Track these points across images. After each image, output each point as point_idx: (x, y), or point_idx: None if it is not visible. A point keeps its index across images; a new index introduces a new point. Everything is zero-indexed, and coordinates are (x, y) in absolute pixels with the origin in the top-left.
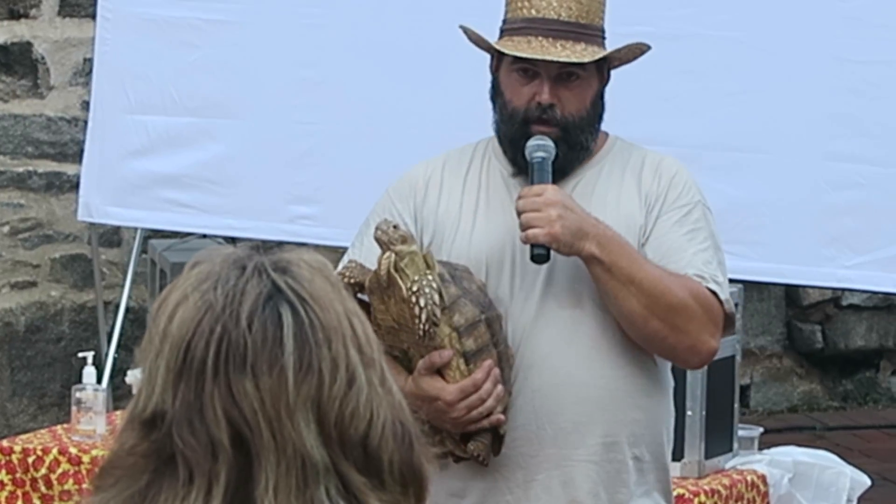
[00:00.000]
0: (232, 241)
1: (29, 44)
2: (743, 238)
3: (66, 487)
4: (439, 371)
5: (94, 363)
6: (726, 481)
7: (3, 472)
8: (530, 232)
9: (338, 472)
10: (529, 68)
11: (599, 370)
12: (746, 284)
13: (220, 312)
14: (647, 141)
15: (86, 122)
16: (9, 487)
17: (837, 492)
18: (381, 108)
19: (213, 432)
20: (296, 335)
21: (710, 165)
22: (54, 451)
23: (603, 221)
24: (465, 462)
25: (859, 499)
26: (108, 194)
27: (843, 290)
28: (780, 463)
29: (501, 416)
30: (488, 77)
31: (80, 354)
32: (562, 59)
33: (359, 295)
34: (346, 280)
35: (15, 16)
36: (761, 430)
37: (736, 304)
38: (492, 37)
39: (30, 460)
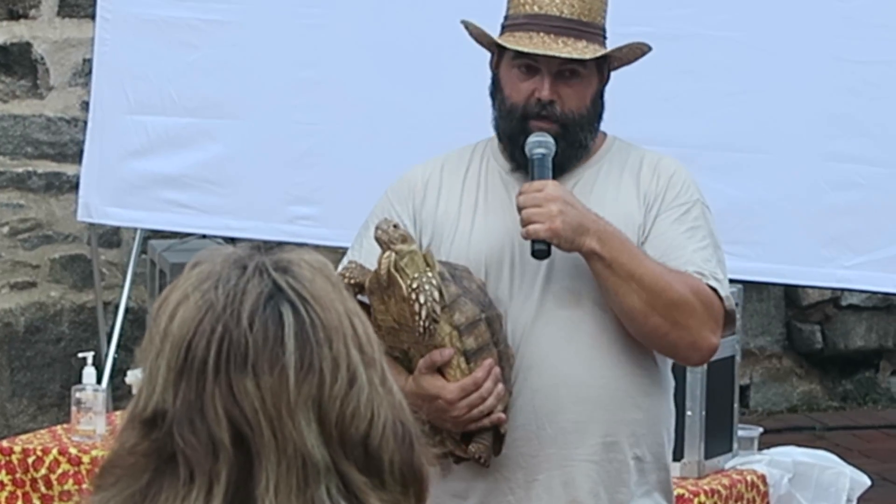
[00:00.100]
0: (231, 241)
1: (28, 44)
2: (742, 238)
3: (65, 488)
4: (440, 370)
5: (93, 363)
6: (726, 481)
7: (3, 472)
8: (531, 227)
9: (338, 472)
10: (530, 64)
11: (599, 370)
12: (746, 285)
13: (222, 312)
14: (646, 141)
15: (85, 123)
16: (9, 488)
17: (837, 492)
18: (380, 109)
19: (213, 431)
20: (297, 335)
21: (709, 165)
22: (54, 451)
23: (603, 217)
24: (466, 463)
25: (859, 499)
26: (107, 195)
27: (843, 290)
28: (780, 463)
29: (502, 415)
30: (488, 77)
31: (80, 355)
32: (563, 55)
33: (359, 296)
34: (346, 281)
35: (14, 16)
36: (761, 430)
37: (736, 305)
38: (493, 34)
39: (30, 461)
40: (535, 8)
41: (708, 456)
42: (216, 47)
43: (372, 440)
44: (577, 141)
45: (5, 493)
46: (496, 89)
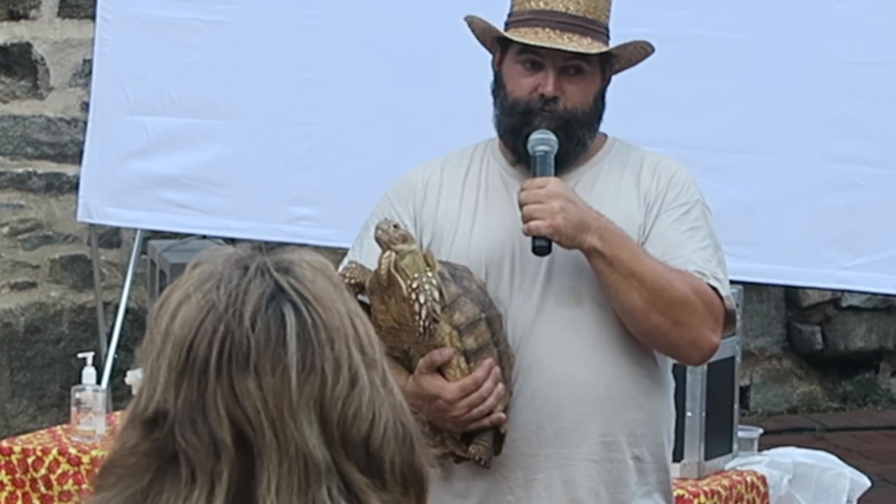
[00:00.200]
0: (231, 242)
1: (28, 45)
2: (742, 239)
3: (65, 488)
4: (440, 370)
5: (93, 364)
6: (726, 482)
7: (3, 472)
8: (532, 224)
9: (340, 472)
10: (535, 60)
11: (599, 369)
12: (746, 286)
13: (223, 312)
14: (646, 142)
15: (85, 123)
16: (8, 488)
17: (837, 493)
18: (380, 109)
19: (215, 431)
20: (299, 335)
21: (709, 166)
22: (54, 451)
23: (604, 215)
24: (467, 462)
25: (859, 500)
26: (107, 195)
27: (843, 291)
28: (780, 464)
29: (502, 415)
30: (488, 77)
31: (80, 355)
32: (570, 49)
33: (359, 296)
34: (346, 281)
35: (14, 17)
36: (761, 431)
37: (736, 305)
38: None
39: (29, 461)
40: (542, 4)
41: (708, 457)
42: (216, 48)
43: (373, 441)
44: (576, 138)
45: (5, 494)
46: (498, 86)
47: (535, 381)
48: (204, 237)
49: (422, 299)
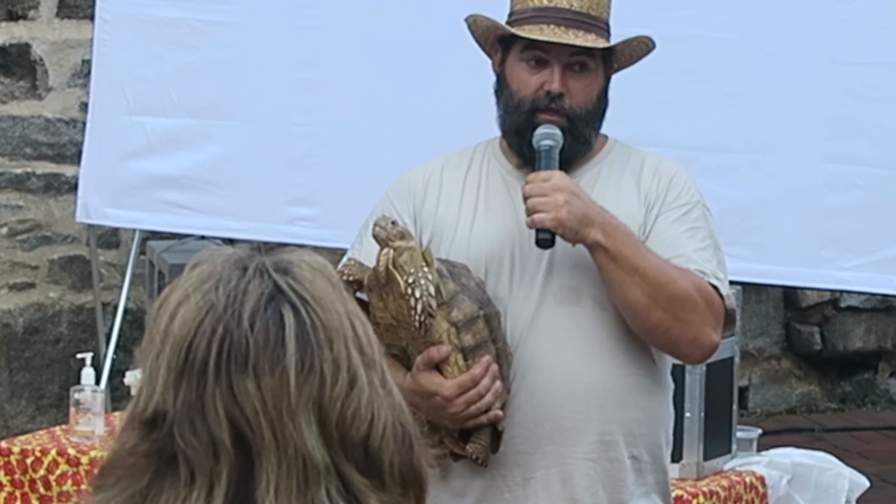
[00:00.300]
0: (230, 242)
1: (27, 45)
2: (741, 240)
3: (64, 488)
4: (438, 367)
5: (92, 364)
6: (725, 483)
7: (2, 473)
8: (536, 216)
9: (339, 473)
10: (540, 57)
11: (598, 368)
12: (745, 286)
13: (222, 312)
14: (645, 142)
15: (84, 124)
16: (7, 489)
17: (836, 493)
18: (379, 109)
19: (214, 432)
20: (298, 336)
21: (708, 167)
22: (53, 452)
23: (608, 210)
24: (464, 461)
25: (858, 500)
26: (106, 195)
27: (842, 291)
28: (779, 464)
29: (500, 413)
30: (487, 78)
31: (79, 356)
32: (578, 44)
33: (357, 294)
34: (345, 278)
35: (13, 17)
36: (760, 431)
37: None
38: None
39: (28, 461)
40: (545, 1)
41: (707, 457)
42: (215, 48)
43: (372, 441)
44: (581, 136)
45: (4, 494)
46: (502, 86)
47: (533, 379)
48: (203, 238)
49: (417, 294)
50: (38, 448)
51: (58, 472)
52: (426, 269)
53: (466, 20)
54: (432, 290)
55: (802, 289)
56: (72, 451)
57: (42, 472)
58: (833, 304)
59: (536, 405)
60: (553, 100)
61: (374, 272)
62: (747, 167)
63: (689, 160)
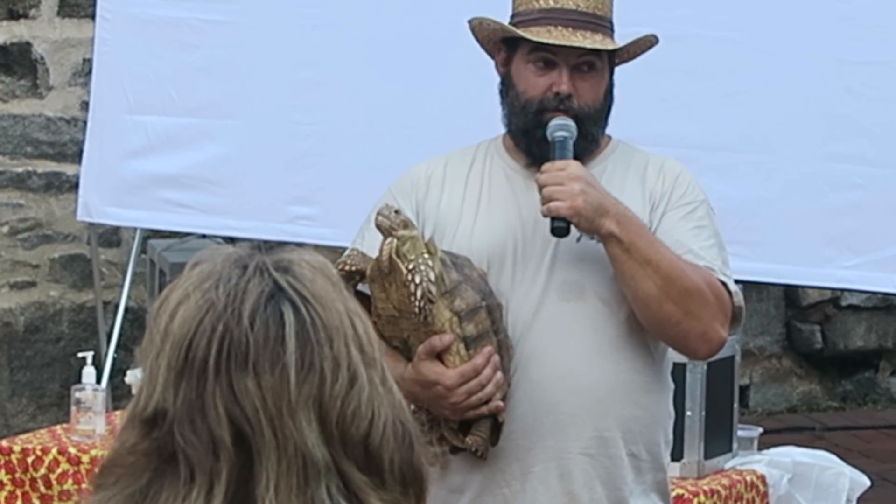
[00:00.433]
0: (231, 241)
1: (28, 44)
2: (742, 238)
3: (65, 487)
4: (439, 356)
5: (93, 363)
6: (726, 482)
7: (3, 471)
8: (552, 204)
9: (339, 471)
10: (548, 58)
11: (599, 364)
12: (746, 285)
13: (222, 311)
14: (646, 141)
15: (85, 123)
16: (8, 487)
17: (837, 492)
18: (379, 108)
19: (214, 431)
20: (298, 334)
21: (709, 166)
22: (53, 451)
23: (622, 202)
24: (463, 454)
25: (858, 499)
26: (107, 194)
27: (843, 290)
28: (780, 463)
29: (500, 403)
30: (488, 77)
31: (80, 354)
32: (587, 46)
33: (359, 286)
34: (347, 267)
35: (14, 16)
36: (760, 430)
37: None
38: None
39: (29, 460)
40: (551, 2)
41: (707, 456)
42: (216, 47)
43: (372, 440)
44: (589, 134)
45: (4, 493)
46: (507, 87)
47: (534, 373)
48: (203, 236)
49: (417, 279)
50: (38, 447)
51: (59, 470)
52: (426, 255)
53: (471, 22)
54: (432, 276)
55: (803, 287)
56: (73, 450)
57: (43, 470)
58: (834, 303)
59: (536, 400)
60: (562, 101)
61: (376, 262)
62: (747, 166)
63: (689, 159)
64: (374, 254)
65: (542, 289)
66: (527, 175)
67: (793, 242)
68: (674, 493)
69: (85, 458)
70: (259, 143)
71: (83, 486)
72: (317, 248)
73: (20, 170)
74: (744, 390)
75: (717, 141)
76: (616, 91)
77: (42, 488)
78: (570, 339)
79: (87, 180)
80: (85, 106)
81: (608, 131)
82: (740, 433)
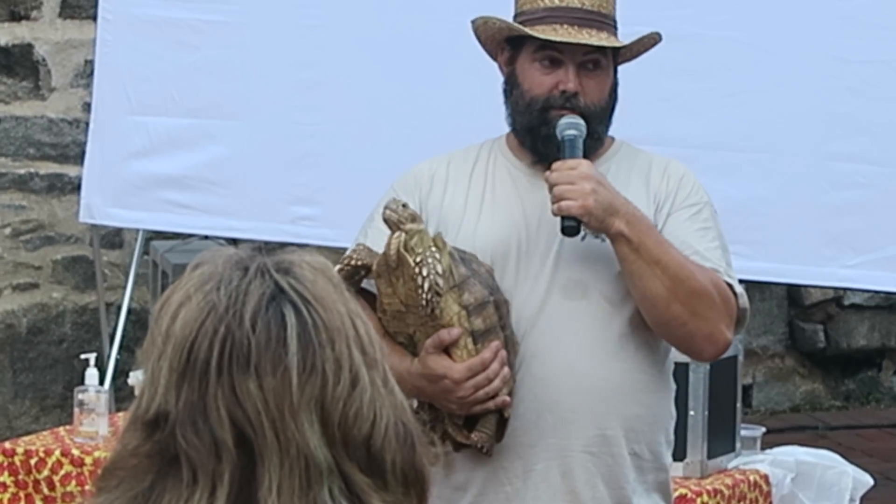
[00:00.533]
0: (233, 242)
1: (30, 45)
2: (744, 238)
3: (68, 489)
4: (446, 350)
5: (96, 365)
6: (729, 481)
7: (6, 473)
8: (563, 203)
9: (341, 473)
10: (554, 56)
11: (602, 362)
12: (748, 284)
13: (224, 313)
14: (647, 140)
15: (87, 124)
16: (11, 489)
17: (840, 491)
18: (381, 109)
19: (216, 433)
20: (299, 336)
21: (710, 165)
22: (57, 452)
23: (631, 202)
24: (466, 452)
25: (862, 498)
26: (109, 196)
27: (845, 289)
28: (783, 463)
29: (507, 398)
30: (489, 77)
31: (83, 356)
32: (594, 43)
33: (363, 283)
34: (353, 262)
35: (16, 17)
36: (763, 429)
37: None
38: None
39: (32, 462)
40: (556, 0)
41: (711, 456)
42: (217, 48)
43: (374, 441)
44: (595, 133)
45: (8, 495)
46: (512, 86)
47: (537, 370)
48: (206, 237)
49: (424, 272)
50: (41, 449)
51: (62, 472)
52: (435, 249)
53: (475, 21)
54: (440, 269)
55: (806, 286)
56: (76, 452)
57: (46, 472)
58: (836, 302)
59: (539, 397)
60: (568, 99)
61: (383, 256)
62: (749, 165)
63: (690, 159)
64: (378, 250)
65: (546, 287)
66: (531, 174)
67: (794, 241)
68: (677, 493)
69: (88, 460)
70: (261, 143)
71: (86, 487)
72: (319, 248)
73: (22, 171)
74: (747, 390)
75: (718, 140)
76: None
77: (45, 490)
78: (573, 337)
79: (90, 181)
80: (87, 107)
81: (609, 132)
82: (743, 433)
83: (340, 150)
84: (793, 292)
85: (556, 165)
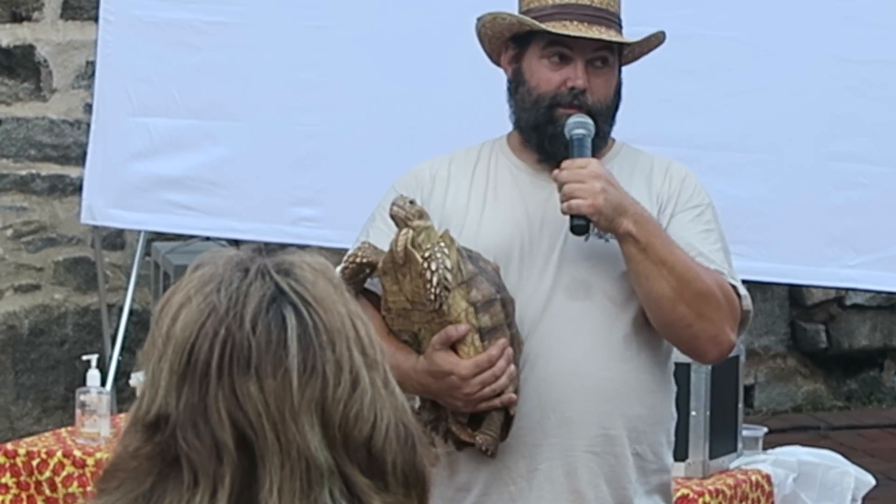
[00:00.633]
0: (235, 243)
1: (31, 47)
2: (745, 238)
3: (70, 490)
4: (453, 347)
5: (97, 366)
6: (731, 481)
7: (8, 475)
8: (573, 202)
9: (342, 475)
10: (563, 53)
11: (606, 362)
12: (750, 285)
13: (224, 315)
14: (648, 141)
15: (88, 125)
16: (13, 491)
17: (842, 491)
18: (382, 110)
19: (217, 435)
20: (300, 337)
21: (711, 165)
22: (58, 453)
23: (639, 203)
24: (469, 452)
25: (864, 498)
26: (110, 197)
27: (847, 289)
28: (785, 463)
29: (513, 396)
30: (490, 78)
31: (84, 357)
32: (609, 39)
33: (367, 284)
34: (358, 259)
35: (17, 19)
36: (765, 430)
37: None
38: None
39: (34, 463)
40: None
41: (712, 456)
42: (219, 49)
43: (375, 442)
44: (601, 131)
45: (10, 496)
46: (517, 83)
47: (541, 370)
48: (207, 239)
49: (433, 267)
50: (43, 450)
51: (63, 473)
52: (441, 244)
53: (482, 17)
54: (448, 264)
55: (807, 287)
56: (77, 453)
57: (48, 473)
58: (838, 302)
59: (543, 396)
60: (576, 96)
61: (390, 253)
62: (750, 165)
63: (691, 159)
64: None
65: (550, 287)
66: (533, 174)
67: (796, 242)
68: (678, 493)
69: (90, 461)
70: (262, 144)
71: (88, 489)
72: (320, 250)
73: (24, 173)
74: (748, 390)
75: (719, 140)
76: None
77: (47, 491)
78: (577, 337)
79: (91, 183)
80: (88, 108)
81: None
82: (745, 433)
83: (342, 151)
84: (794, 292)
85: (565, 164)
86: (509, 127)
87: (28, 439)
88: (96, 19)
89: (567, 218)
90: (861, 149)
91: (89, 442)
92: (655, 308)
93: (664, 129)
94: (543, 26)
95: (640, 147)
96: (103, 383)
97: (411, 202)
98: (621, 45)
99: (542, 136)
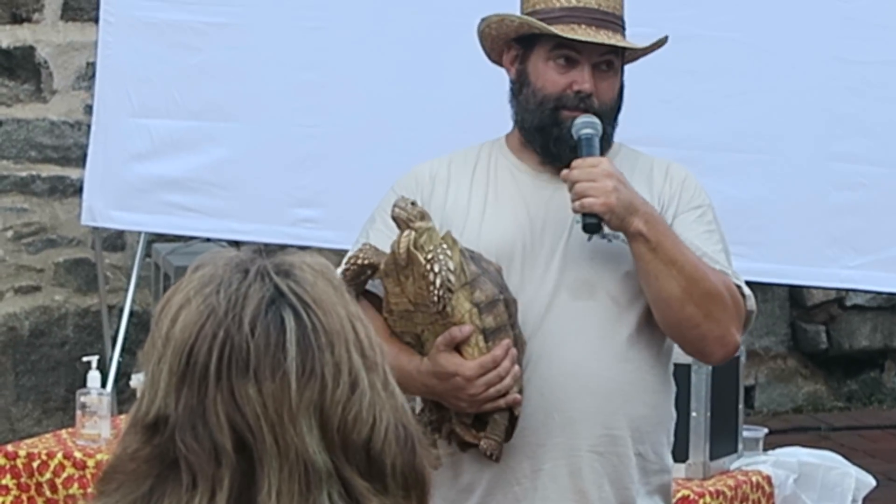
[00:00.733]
0: (235, 244)
1: (32, 48)
2: (746, 239)
3: (70, 492)
4: (457, 348)
5: (98, 367)
6: (731, 482)
7: (8, 476)
8: (586, 201)
9: (340, 477)
10: (570, 56)
11: (609, 362)
12: (750, 285)
13: (223, 316)
14: (648, 142)
15: (89, 126)
16: (14, 492)
17: (842, 492)
18: (383, 111)
19: (216, 437)
20: (298, 340)
21: (712, 166)
22: (59, 455)
23: (649, 202)
24: (473, 452)
25: (864, 499)
26: (111, 198)
27: (847, 290)
28: (785, 464)
29: (518, 396)
30: (491, 79)
31: (85, 358)
32: (620, 44)
33: (368, 285)
34: (360, 261)
35: (17, 20)
36: (766, 430)
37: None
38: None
39: (34, 465)
40: (573, 1)
41: (713, 457)
42: (219, 50)
43: (374, 445)
44: (605, 133)
45: (10, 498)
46: (521, 85)
47: (545, 370)
48: (208, 240)
49: (436, 268)
50: (44, 451)
51: (64, 475)
52: (444, 245)
53: (488, 19)
54: (451, 265)
55: (808, 287)
56: (78, 455)
57: (48, 475)
58: (839, 303)
59: (547, 396)
60: (582, 100)
61: (392, 255)
62: (751, 166)
63: (692, 160)
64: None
65: (553, 287)
66: (534, 174)
67: (796, 242)
68: (679, 494)
69: (90, 463)
70: (262, 145)
71: (88, 490)
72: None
73: (24, 174)
74: (749, 391)
75: (719, 141)
76: None
77: (47, 493)
78: (580, 337)
79: (91, 184)
80: (89, 109)
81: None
82: (745, 434)
83: (342, 152)
84: (795, 293)
85: (576, 163)
86: (509, 127)
87: (28, 441)
88: (96, 20)
89: (570, 218)
90: (861, 149)
91: (90, 443)
92: (664, 308)
93: (664, 129)
94: (552, 30)
95: (640, 148)
96: (104, 385)
97: (413, 203)
98: (626, 48)
99: (546, 137)
